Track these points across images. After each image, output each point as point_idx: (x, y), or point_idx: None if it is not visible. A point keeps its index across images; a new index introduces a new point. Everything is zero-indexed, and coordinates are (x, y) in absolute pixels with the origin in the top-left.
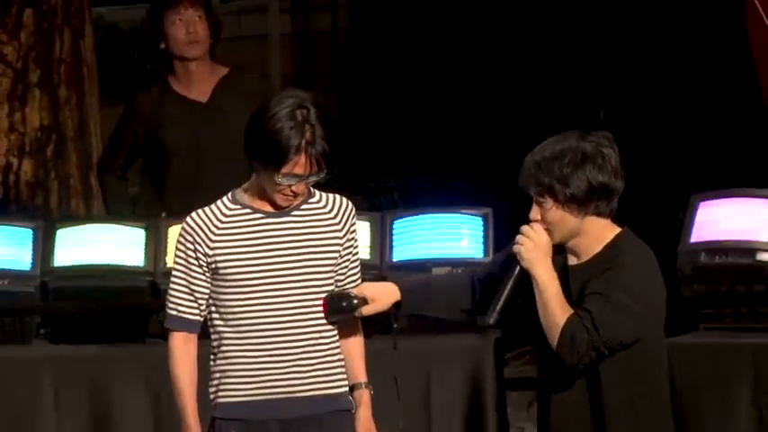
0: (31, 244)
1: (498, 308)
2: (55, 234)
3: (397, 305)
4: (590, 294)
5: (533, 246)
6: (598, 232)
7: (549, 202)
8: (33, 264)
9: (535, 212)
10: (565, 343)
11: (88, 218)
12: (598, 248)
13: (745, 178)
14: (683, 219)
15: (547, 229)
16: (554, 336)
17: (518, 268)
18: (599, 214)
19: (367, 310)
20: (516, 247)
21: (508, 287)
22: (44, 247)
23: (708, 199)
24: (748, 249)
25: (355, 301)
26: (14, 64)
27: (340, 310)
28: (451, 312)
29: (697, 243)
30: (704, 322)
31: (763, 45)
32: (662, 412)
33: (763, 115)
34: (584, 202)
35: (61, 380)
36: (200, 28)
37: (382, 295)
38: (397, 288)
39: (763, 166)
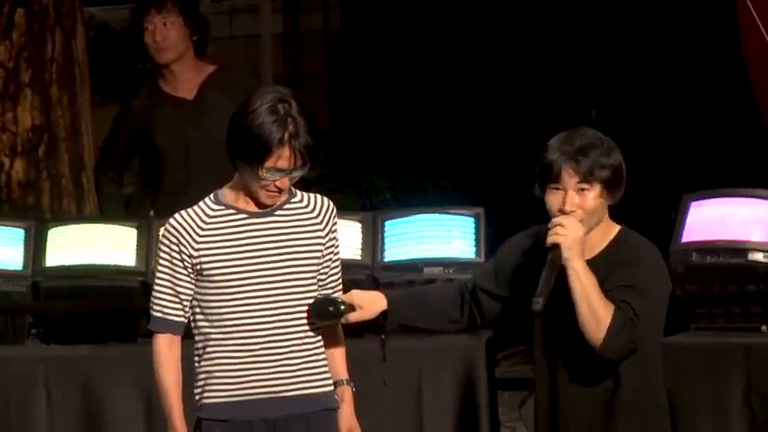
0: (22, 244)
1: (546, 293)
2: (46, 234)
3: (383, 314)
4: (620, 288)
5: (574, 239)
6: (605, 226)
7: (594, 189)
8: (25, 264)
9: (575, 202)
10: (612, 336)
11: (80, 218)
12: (603, 244)
13: (736, 178)
14: (675, 218)
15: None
16: (600, 331)
17: (558, 258)
18: (616, 203)
19: (353, 317)
20: (556, 239)
21: (553, 275)
22: (36, 246)
23: (699, 199)
24: (740, 249)
25: (342, 307)
26: (6, 64)
27: (327, 315)
28: (439, 323)
29: (689, 243)
30: (696, 322)
31: (755, 45)
32: (665, 414)
33: (755, 114)
34: (619, 186)
35: (53, 379)
36: (169, 33)
37: (369, 303)
38: (384, 297)
39: (755, 166)
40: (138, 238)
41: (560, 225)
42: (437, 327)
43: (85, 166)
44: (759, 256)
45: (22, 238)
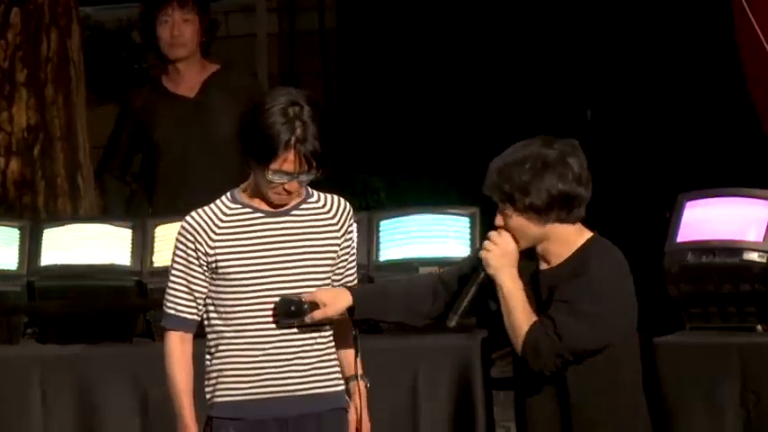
0: (17, 243)
1: (460, 311)
2: (42, 233)
3: (350, 311)
4: (556, 302)
5: (500, 253)
6: (565, 238)
7: (509, 210)
8: (20, 263)
9: (499, 219)
10: (528, 350)
11: (75, 217)
12: (568, 253)
13: (732, 177)
14: (670, 218)
15: (514, 236)
16: (518, 342)
17: (483, 274)
18: (562, 221)
19: (318, 315)
20: (483, 254)
21: (471, 291)
22: (31, 246)
23: (694, 198)
24: (735, 249)
25: (305, 306)
26: (1, 63)
27: (289, 315)
28: (409, 317)
29: (684, 242)
30: (691, 322)
31: (751, 46)
32: (636, 415)
33: (750, 114)
34: (543, 210)
35: (48, 379)
36: (186, 30)
37: (333, 300)
38: (348, 293)
39: (750, 166)
40: (133, 237)
41: (489, 240)
42: (407, 321)
43: (81, 165)
44: (754, 256)
45: (17, 237)
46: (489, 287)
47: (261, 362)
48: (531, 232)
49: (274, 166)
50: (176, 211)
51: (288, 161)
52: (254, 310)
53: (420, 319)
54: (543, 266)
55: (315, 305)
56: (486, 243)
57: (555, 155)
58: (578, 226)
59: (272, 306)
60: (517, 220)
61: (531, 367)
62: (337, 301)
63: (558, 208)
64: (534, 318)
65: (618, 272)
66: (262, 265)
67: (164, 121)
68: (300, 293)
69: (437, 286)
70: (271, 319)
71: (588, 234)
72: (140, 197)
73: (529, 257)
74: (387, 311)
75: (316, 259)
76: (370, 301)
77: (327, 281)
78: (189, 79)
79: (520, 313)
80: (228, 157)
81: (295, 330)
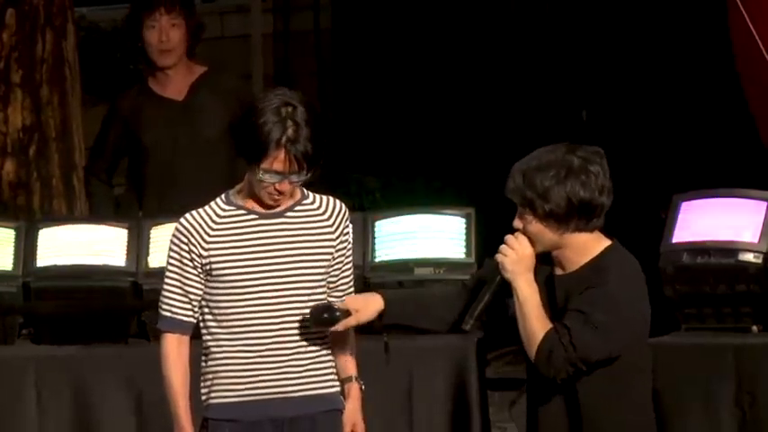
0: (13, 244)
1: (475, 315)
2: (37, 234)
3: (380, 315)
4: (572, 311)
5: (517, 258)
6: (582, 245)
7: (529, 215)
8: (15, 264)
9: (518, 222)
10: (542, 357)
11: (70, 218)
12: (584, 260)
13: (727, 178)
14: (665, 219)
15: (531, 240)
16: (532, 348)
17: (499, 277)
18: (580, 230)
19: (349, 322)
20: (500, 257)
21: (487, 296)
22: (26, 247)
23: (690, 199)
24: (730, 250)
25: (337, 314)
26: None
27: (322, 322)
28: (437, 325)
29: (679, 243)
30: (686, 322)
31: (745, 44)
32: (643, 422)
33: (745, 115)
34: (563, 218)
35: (44, 380)
36: (174, 35)
37: (366, 305)
38: (380, 297)
39: (746, 166)
40: (128, 238)
41: (506, 244)
42: (434, 327)
43: (76, 166)
44: (749, 257)
45: (13, 238)
46: (506, 289)
47: (256, 363)
48: (548, 238)
49: (265, 165)
50: (167, 213)
51: (278, 160)
52: (249, 311)
53: (445, 326)
54: (558, 271)
55: (347, 312)
56: (503, 247)
57: (579, 162)
58: (596, 233)
59: (266, 307)
60: (536, 226)
61: (543, 374)
62: (370, 306)
63: (577, 216)
64: (549, 325)
65: (636, 284)
66: (256, 267)
67: (152, 124)
68: (332, 301)
69: (462, 293)
70: (265, 320)
71: (606, 242)
72: (129, 199)
73: (544, 262)
74: (416, 317)
75: (310, 261)
76: (401, 308)
77: (323, 282)
78: (177, 82)
79: (534, 320)
80: (217, 158)
81: (291, 332)
